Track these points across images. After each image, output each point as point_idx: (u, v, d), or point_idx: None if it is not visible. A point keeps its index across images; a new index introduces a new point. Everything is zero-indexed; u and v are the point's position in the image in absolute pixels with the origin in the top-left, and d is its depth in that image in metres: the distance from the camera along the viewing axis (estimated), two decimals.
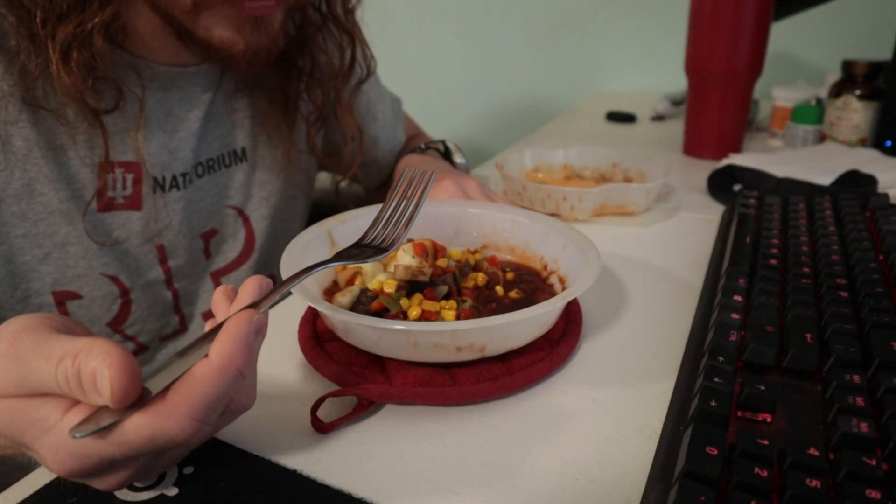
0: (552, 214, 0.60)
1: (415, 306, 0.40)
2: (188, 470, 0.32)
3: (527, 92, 1.56)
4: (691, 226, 0.65)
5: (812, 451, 0.28)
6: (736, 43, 0.81)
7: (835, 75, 0.90)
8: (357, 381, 0.38)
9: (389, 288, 0.42)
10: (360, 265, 0.45)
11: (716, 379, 0.33)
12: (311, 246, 0.46)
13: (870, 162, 0.75)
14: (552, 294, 0.46)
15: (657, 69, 1.38)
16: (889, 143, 0.82)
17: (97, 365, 0.25)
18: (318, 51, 0.65)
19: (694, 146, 0.90)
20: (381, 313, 0.41)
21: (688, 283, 0.52)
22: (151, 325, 0.61)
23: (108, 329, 0.58)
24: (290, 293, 0.41)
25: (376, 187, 0.84)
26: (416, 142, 0.84)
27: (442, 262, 0.45)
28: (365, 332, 0.38)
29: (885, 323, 0.38)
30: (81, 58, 0.47)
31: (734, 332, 0.38)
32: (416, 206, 0.43)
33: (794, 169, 0.73)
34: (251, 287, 0.31)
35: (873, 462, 0.27)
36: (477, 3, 1.52)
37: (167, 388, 0.27)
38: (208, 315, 0.66)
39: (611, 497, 0.31)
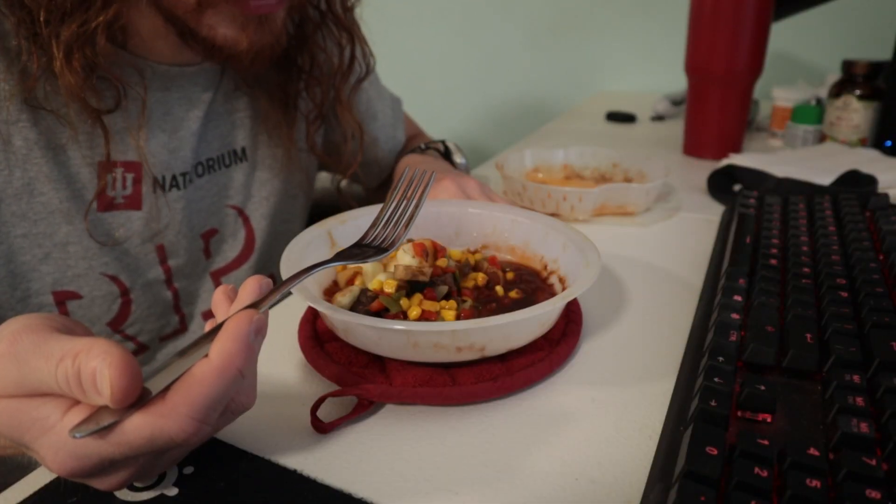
0: (552, 214, 0.60)
1: (415, 306, 0.40)
2: (188, 470, 0.32)
3: (527, 92, 1.56)
4: (691, 226, 0.65)
5: (812, 451, 0.28)
6: (736, 43, 0.81)
7: (835, 75, 0.90)
8: (357, 381, 0.38)
9: (389, 288, 0.42)
10: (360, 265, 0.45)
11: (716, 379, 0.33)
12: (311, 246, 0.46)
13: (870, 162, 0.75)
14: (552, 294, 0.46)
15: (657, 69, 1.38)
16: (889, 143, 0.82)
17: (97, 365, 0.25)
18: (317, 49, 0.65)
19: (694, 146, 0.90)
20: (381, 313, 0.41)
21: (688, 283, 0.52)
22: (151, 325, 0.61)
23: (108, 329, 0.58)
24: (290, 293, 0.41)
25: (376, 187, 0.84)
26: (416, 142, 0.84)
27: (442, 262, 0.45)
28: (365, 332, 0.38)
29: (885, 323, 0.38)
30: (85, 57, 0.47)
31: (734, 332, 0.38)
32: (417, 206, 0.43)
33: (794, 169, 0.73)
34: (251, 287, 0.31)
35: (873, 462, 0.27)
36: (477, 3, 1.52)
37: (167, 388, 0.27)
38: (208, 315, 0.66)
39: (611, 497, 0.31)
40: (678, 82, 1.10)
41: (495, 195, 0.61)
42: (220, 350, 0.27)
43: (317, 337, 0.43)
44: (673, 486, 0.27)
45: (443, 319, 0.40)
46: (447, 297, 0.43)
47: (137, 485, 0.31)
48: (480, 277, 0.45)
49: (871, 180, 0.68)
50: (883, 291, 0.42)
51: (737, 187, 0.74)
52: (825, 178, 0.70)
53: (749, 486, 0.26)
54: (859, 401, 0.32)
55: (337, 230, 0.48)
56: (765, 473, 0.27)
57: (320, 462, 0.33)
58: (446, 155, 0.78)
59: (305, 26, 0.64)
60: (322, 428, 0.35)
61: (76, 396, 0.26)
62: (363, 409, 0.36)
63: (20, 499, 0.31)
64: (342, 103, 0.69)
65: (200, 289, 0.65)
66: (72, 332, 0.29)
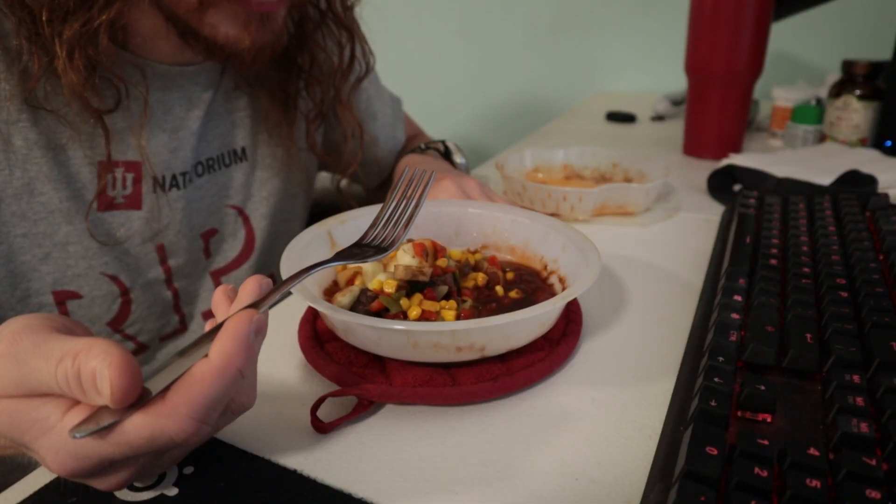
0: (552, 214, 0.60)
1: (415, 306, 0.40)
2: (188, 470, 0.32)
3: (527, 92, 1.56)
4: (691, 226, 0.65)
5: (812, 451, 0.28)
6: (736, 43, 0.81)
7: (835, 75, 0.90)
8: (357, 381, 0.38)
9: (389, 288, 0.42)
10: (360, 265, 0.45)
11: (716, 379, 0.33)
12: (311, 246, 0.46)
13: (870, 162, 0.75)
14: (552, 294, 0.46)
15: (657, 69, 1.38)
16: (889, 143, 0.82)
17: (97, 365, 0.25)
18: (317, 48, 0.65)
19: (694, 146, 0.90)
20: (381, 313, 0.41)
21: (688, 283, 0.52)
22: (151, 325, 0.61)
23: (108, 329, 0.58)
24: (290, 293, 0.41)
25: (376, 187, 0.84)
26: (415, 142, 0.84)
27: (442, 262, 0.45)
28: (365, 332, 0.38)
29: (885, 323, 0.38)
30: (87, 56, 0.47)
31: (734, 332, 0.38)
32: (416, 206, 0.43)
33: (794, 169, 0.73)
34: (251, 287, 0.31)
35: (873, 462, 0.27)
36: (477, 2, 1.52)
37: (167, 388, 0.27)
38: (208, 314, 0.66)
39: (611, 497, 0.31)
40: (678, 82, 1.10)
41: (495, 195, 0.61)
42: (220, 350, 0.27)
43: (317, 337, 0.43)
44: (673, 486, 0.27)
45: (443, 319, 0.40)
46: (447, 297, 0.43)
47: (137, 485, 0.31)
48: (480, 277, 0.45)
49: (871, 180, 0.68)
50: (883, 291, 0.42)
51: (737, 187, 0.74)
52: (825, 178, 0.70)
53: (749, 486, 0.26)
54: (859, 401, 0.32)
55: (337, 230, 0.48)
56: (765, 473, 0.27)
57: (320, 462, 0.33)
58: (446, 155, 0.78)
59: (305, 25, 0.64)
60: (322, 428, 0.35)
61: (76, 396, 0.26)
62: (363, 409, 0.36)
63: (20, 499, 0.31)
64: (342, 102, 0.69)
65: (200, 288, 0.65)
66: (72, 333, 0.29)
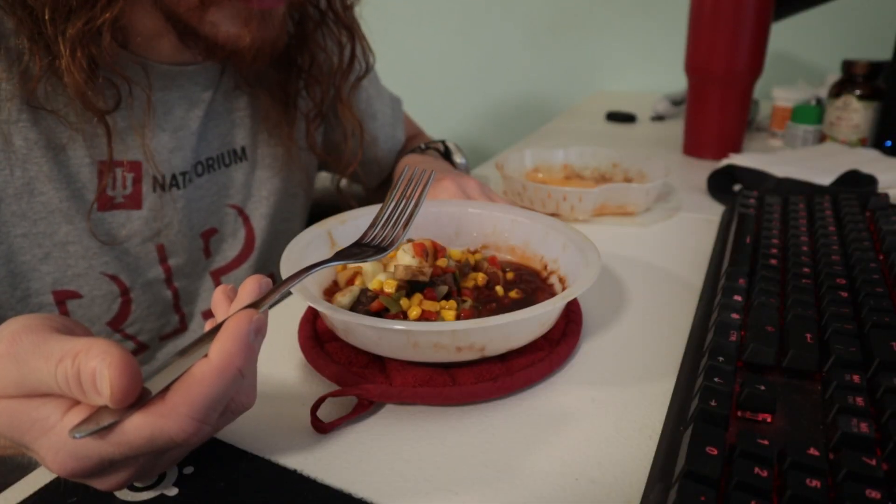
0: (552, 214, 0.60)
1: (415, 306, 0.40)
2: (188, 470, 0.32)
3: (526, 91, 1.56)
4: (691, 226, 0.65)
5: (812, 451, 0.28)
6: (736, 43, 0.81)
7: (835, 75, 0.90)
8: (357, 381, 0.38)
9: (389, 288, 0.42)
10: (360, 265, 0.45)
11: (716, 379, 0.33)
12: (311, 246, 0.46)
13: (870, 162, 0.75)
14: (552, 294, 0.46)
15: (657, 69, 1.38)
16: (889, 143, 0.82)
17: (97, 365, 0.25)
18: (317, 48, 0.65)
19: (694, 146, 0.90)
20: (381, 313, 0.41)
21: (688, 283, 0.52)
22: (151, 325, 0.61)
23: (109, 328, 0.58)
24: (290, 293, 0.41)
25: (376, 187, 0.84)
26: (415, 142, 0.84)
27: (442, 262, 0.45)
28: (365, 332, 0.38)
29: (885, 323, 0.38)
30: (90, 55, 0.47)
31: (734, 332, 0.38)
32: (416, 205, 0.43)
33: (794, 169, 0.73)
34: (251, 287, 0.31)
35: (873, 462, 0.27)
36: (476, 2, 1.52)
37: (167, 388, 0.27)
38: (208, 314, 0.66)
39: (611, 497, 0.31)
40: (678, 82, 1.10)
41: (495, 195, 0.61)
42: (220, 350, 0.27)
43: (317, 337, 0.43)
44: (673, 486, 0.27)
45: (443, 319, 0.40)
46: (447, 297, 0.43)
47: (137, 485, 0.31)
48: (480, 277, 0.45)
49: (871, 180, 0.68)
50: (883, 291, 0.42)
51: (737, 187, 0.74)
52: (825, 178, 0.70)
53: (749, 486, 0.26)
54: (859, 401, 0.32)
55: (337, 230, 0.48)
56: (765, 473, 0.27)
57: (320, 462, 0.33)
58: (446, 155, 0.78)
59: (305, 24, 0.64)
60: (322, 428, 0.35)
61: (76, 396, 0.26)
62: (363, 409, 0.36)
63: (20, 499, 0.31)
64: (342, 102, 0.69)
65: (200, 288, 0.65)
66: (71, 333, 0.29)
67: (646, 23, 1.36)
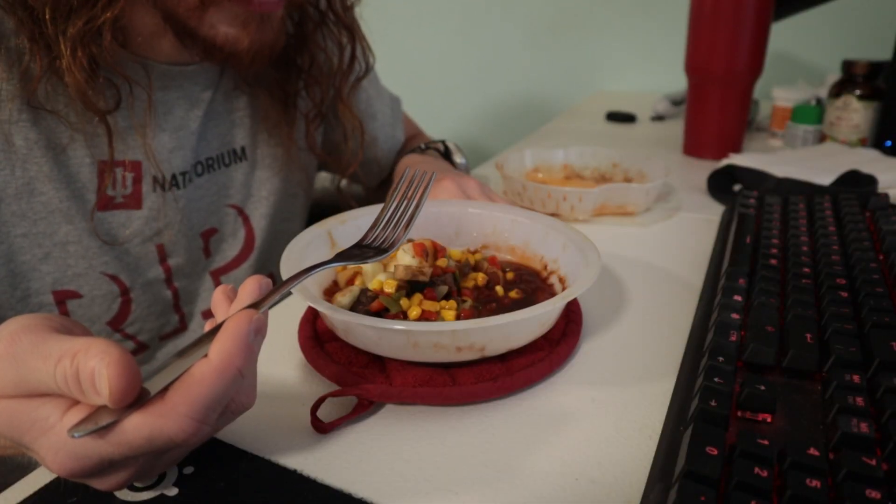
0: (552, 214, 0.60)
1: (415, 306, 0.40)
2: (188, 470, 0.32)
3: (526, 91, 1.56)
4: (691, 226, 0.65)
5: (812, 451, 0.28)
6: (736, 43, 0.81)
7: (835, 75, 0.90)
8: (357, 381, 0.38)
9: (389, 288, 0.42)
10: (360, 265, 0.45)
11: (716, 379, 0.33)
12: (311, 246, 0.46)
13: (870, 162, 0.75)
14: (552, 294, 0.46)
15: (657, 69, 1.38)
16: (889, 143, 0.82)
17: (95, 365, 0.25)
18: (317, 48, 0.65)
19: (694, 146, 0.90)
20: (381, 313, 0.41)
21: (688, 283, 0.52)
22: (151, 324, 0.61)
23: (108, 328, 0.58)
24: (290, 293, 0.41)
25: (376, 187, 0.84)
26: (415, 142, 0.84)
27: (442, 262, 0.45)
28: (365, 332, 0.38)
29: (885, 323, 0.38)
30: (91, 55, 0.47)
31: (734, 332, 0.38)
32: (417, 207, 0.43)
33: (794, 169, 0.73)
34: (251, 287, 0.31)
35: (873, 462, 0.27)
36: (476, 2, 1.52)
37: (166, 388, 0.27)
38: (208, 314, 0.66)
39: (611, 497, 0.31)
40: (678, 82, 1.10)
41: (495, 195, 0.61)
42: (220, 350, 0.27)
43: (317, 337, 0.43)
44: (673, 486, 0.27)
45: (443, 319, 0.40)
46: (447, 297, 0.43)
47: (137, 485, 0.31)
48: (480, 277, 0.45)
49: (871, 180, 0.68)
50: (883, 291, 0.42)
51: (737, 187, 0.74)
52: (825, 178, 0.70)
53: (749, 486, 0.26)
54: (859, 401, 0.32)
55: (337, 230, 0.48)
56: (765, 473, 0.27)
57: (320, 462, 0.33)
58: (446, 155, 0.78)
59: (305, 25, 0.64)
60: (322, 428, 0.35)
61: (75, 396, 0.26)
62: (363, 409, 0.36)
63: (20, 499, 0.31)
64: (342, 102, 0.69)
65: (200, 288, 0.65)
66: (70, 332, 0.29)
67: (646, 23, 1.36)
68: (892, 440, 0.29)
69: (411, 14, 1.58)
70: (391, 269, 0.44)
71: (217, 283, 0.66)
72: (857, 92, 0.84)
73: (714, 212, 0.68)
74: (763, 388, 0.33)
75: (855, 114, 0.85)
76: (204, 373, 0.26)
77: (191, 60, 0.58)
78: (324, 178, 0.86)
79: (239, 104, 0.65)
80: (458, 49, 1.59)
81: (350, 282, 0.45)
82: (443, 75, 1.63)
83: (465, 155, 0.79)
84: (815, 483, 0.26)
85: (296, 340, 0.43)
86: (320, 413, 0.36)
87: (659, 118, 1.15)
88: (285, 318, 0.46)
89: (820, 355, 0.36)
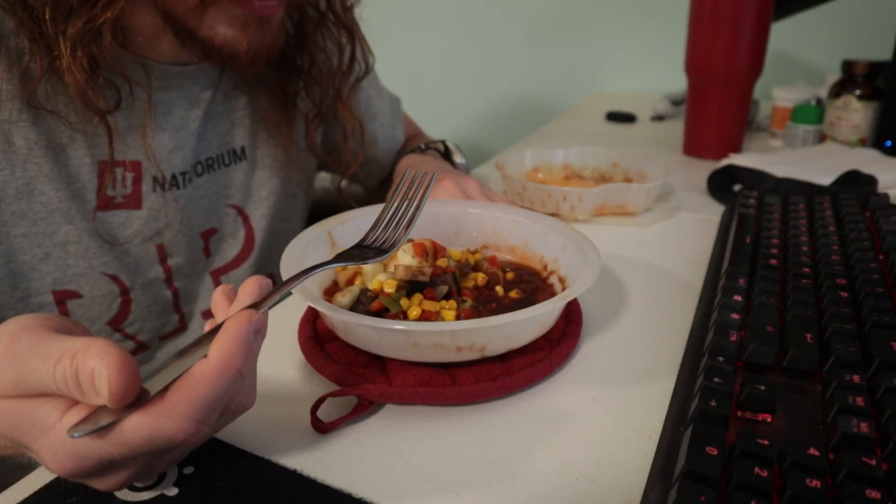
0: (552, 214, 0.60)
1: (415, 306, 0.40)
2: (188, 470, 0.32)
3: (526, 91, 1.56)
4: (691, 226, 0.65)
5: (812, 451, 0.28)
6: (736, 43, 0.81)
7: (835, 75, 0.90)
8: (357, 381, 0.38)
9: (389, 288, 0.42)
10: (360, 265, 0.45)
11: (716, 379, 0.33)
12: (311, 246, 0.46)
13: (870, 162, 0.75)
14: (552, 294, 0.46)
15: (657, 69, 1.38)
16: (889, 143, 0.82)
17: (95, 365, 0.25)
18: (316, 49, 0.65)
19: (694, 146, 0.90)
20: (381, 313, 0.41)
21: (688, 283, 0.52)
22: (151, 324, 0.61)
23: (108, 328, 0.58)
24: (290, 293, 0.41)
25: (376, 187, 0.84)
26: (415, 142, 0.84)
27: (442, 262, 0.45)
28: (365, 332, 0.38)
29: (885, 323, 0.38)
30: (91, 55, 0.47)
31: (734, 332, 0.38)
32: (417, 207, 0.43)
33: (794, 169, 0.73)
34: (251, 287, 0.31)
35: (873, 462, 0.27)
36: (476, 2, 1.52)
37: (166, 388, 0.27)
38: (208, 314, 0.66)
39: (611, 497, 0.31)
40: (678, 82, 1.10)
41: (495, 195, 0.61)
42: (220, 350, 0.27)
43: (317, 337, 0.43)
44: (673, 486, 0.27)
45: (443, 319, 0.40)
46: (447, 297, 0.43)
47: (137, 485, 0.31)
48: (480, 277, 0.45)
49: (871, 180, 0.68)
50: (883, 291, 0.42)
51: (737, 187, 0.74)
52: (825, 178, 0.70)
53: (749, 486, 0.26)
54: (859, 401, 0.32)
55: (337, 230, 0.48)
56: (765, 473, 0.27)
57: (320, 462, 0.33)
58: (446, 155, 0.78)
59: (305, 26, 0.64)
60: (322, 428, 0.35)
61: (75, 396, 0.26)
62: (363, 409, 0.36)
63: (20, 499, 0.31)
64: (342, 102, 0.69)
65: (200, 288, 0.65)
66: (70, 332, 0.29)
67: (646, 23, 1.36)
68: (892, 440, 0.29)
69: (411, 14, 1.58)
70: (391, 269, 0.44)
71: (217, 283, 0.66)
72: (857, 92, 0.84)
73: (714, 212, 0.68)
74: (763, 388, 0.33)
75: (855, 114, 0.85)
76: (204, 373, 0.26)
77: (191, 61, 0.58)
78: (324, 178, 0.86)
79: (239, 104, 0.65)
80: (458, 49, 1.59)
81: (350, 282, 0.45)
82: (443, 75, 1.63)
83: (465, 155, 0.79)
84: (815, 483, 0.26)
85: (296, 340, 0.43)
86: (320, 413, 0.36)
87: (659, 118, 1.15)
88: (285, 318, 0.46)
89: (820, 355, 0.36)
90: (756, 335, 0.38)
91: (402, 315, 0.40)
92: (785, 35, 1.12)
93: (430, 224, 0.52)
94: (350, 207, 0.54)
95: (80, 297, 0.55)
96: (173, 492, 0.31)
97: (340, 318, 0.37)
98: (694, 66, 0.86)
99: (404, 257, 0.44)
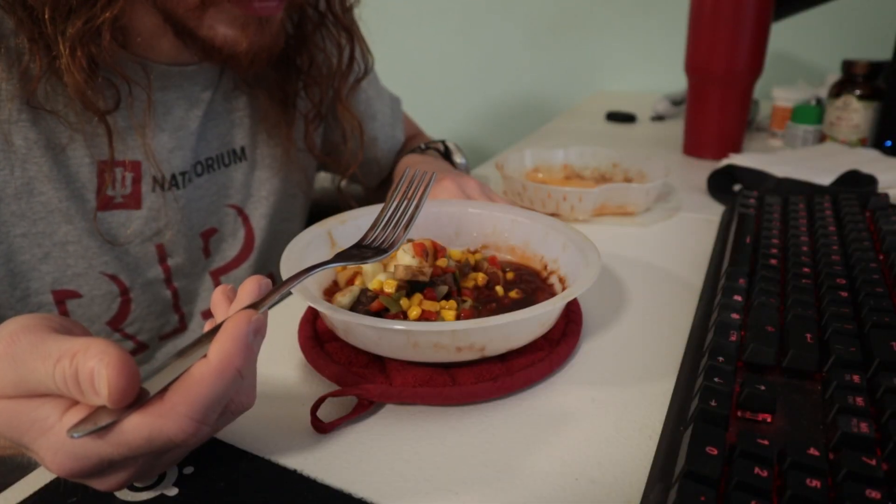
0: (552, 214, 0.60)
1: (415, 306, 0.40)
2: (188, 470, 0.32)
3: (526, 91, 1.56)
4: (691, 226, 0.65)
5: (812, 451, 0.28)
6: (736, 43, 0.81)
7: (835, 75, 0.90)
8: (357, 381, 0.38)
9: (389, 288, 0.42)
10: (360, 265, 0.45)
11: (716, 379, 0.33)
12: (311, 246, 0.46)
13: (870, 162, 0.75)
14: (552, 294, 0.46)
15: (657, 69, 1.38)
16: (889, 143, 0.82)
17: (94, 365, 0.25)
18: (316, 49, 0.65)
19: (694, 146, 0.90)
20: (381, 313, 0.41)
21: (688, 283, 0.52)
22: (151, 324, 0.61)
23: (108, 328, 0.58)
24: (290, 293, 0.41)
25: (376, 187, 0.84)
26: (415, 142, 0.84)
27: (442, 262, 0.45)
28: (365, 332, 0.38)
29: (885, 323, 0.38)
30: (90, 55, 0.47)
31: (734, 332, 0.38)
32: (417, 207, 0.43)
33: (794, 169, 0.73)
34: (250, 287, 0.31)
35: (873, 462, 0.27)
36: (477, 2, 1.52)
37: (165, 389, 0.27)
38: (208, 314, 0.66)
39: (611, 497, 0.31)
40: (678, 82, 1.10)
41: (495, 195, 0.61)
42: (219, 350, 0.27)
43: (317, 337, 0.43)
44: (673, 486, 0.27)
45: (443, 319, 0.40)
46: (447, 297, 0.43)
47: (137, 485, 0.31)
48: (480, 277, 0.45)
49: (871, 180, 0.68)
50: (883, 291, 0.42)
51: (737, 187, 0.74)
52: (825, 178, 0.70)
53: (749, 486, 0.26)
54: (859, 401, 0.32)
55: (337, 230, 0.48)
56: (765, 473, 0.27)
57: (320, 462, 0.33)
58: (446, 155, 0.78)
59: (304, 26, 0.64)
60: (322, 428, 0.35)
61: (74, 397, 0.26)
62: (363, 409, 0.36)
63: (20, 499, 0.31)
64: (341, 103, 0.69)
65: (200, 288, 0.65)
66: (70, 332, 0.29)
67: (646, 23, 1.36)
68: (892, 440, 0.29)
69: (411, 14, 1.58)
70: (391, 269, 0.44)
71: (217, 283, 0.66)
72: (857, 92, 0.84)
73: (714, 212, 0.68)
74: (763, 388, 0.33)
75: (855, 114, 0.85)
76: (203, 373, 0.26)
77: (190, 61, 0.58)
78: (324, 178, 0.86)
79: (238, 104, 0.65)
80: (458, 49, 1.59)
81: (350, 282, 0.45)
82: (443, 75, 1.63)
83: (465, 155, 0.79)
84: (815, 483, 0.26)
85: (296, 340, 0.43)
86: (320, 413, 0.36)
87: (659, 118, 1.15)
88: (285, 318, 0.46)
89: (820, 355, 0.36)
90: (756, 335, 0.38)
91: (402, 315, 0.40)
92: (785, 35, 1.12)
93: (430, 224, 0.52)
94: (350, 207, 0.54)
95: (79, 296, 0.55)
96: (173, 492, 0.31)
97: (340, 318, 0.37)
98: (694, 66, 0.86)
99: (404, 257, 0.44)
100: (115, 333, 0.59)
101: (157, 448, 0.27)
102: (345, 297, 0.42)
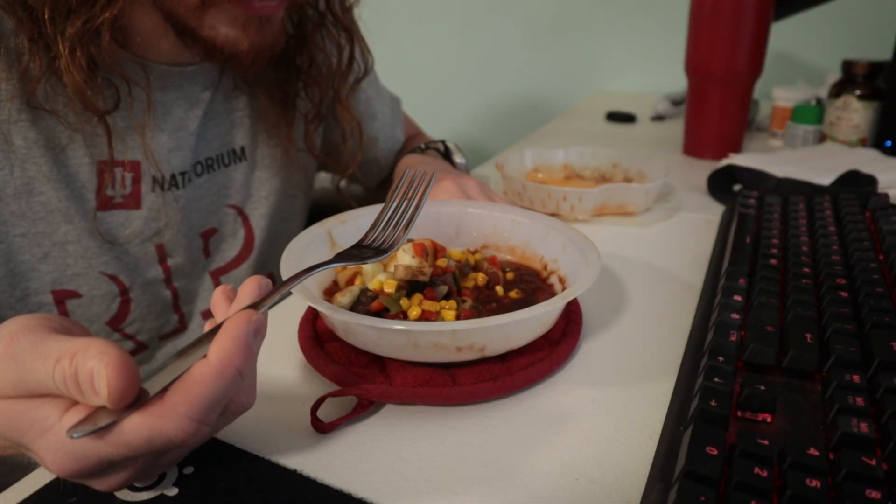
0: (552, 214, 0.60)
1: (415, 306, 0.40)
2: (188, 470, 0.32)
3: (526, 91, 1.56)
4: (691, 226, 0.65)
5: (812, 451, 0.28)
6: (736, 43, 0.81)
7: (835, 75, 0.90)
8: (357, 381, 0.38)
9: (389, 288, 0.42)
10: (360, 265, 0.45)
11: (716, 379, 0.33)
12: (311, 246, 0.46)
13: (870, 162, 0.75)
14: (552, 294, 0.46)
15: (657, 69, 1.38)
16: (889, 143, 0.82)
17: (94, 365, 0.25)
18: (316, 49, 0.65)
19: (694, 146, 0.90)
20: (381, 313, 0.41)
21: (688, 283, 0.52)
22: (151, 324, 0.61)
23: (108, 328, 0.58)
24: (290, 293, 0.41)
25: (376, 187, 0.84)
26: (415, 142, 0.84)
27: (442, 262, 0.45)
28: (365, 332, 0.38)
29: (885, 323, 0.38)
30: (89, 55, 0.47)
31: (734, 332, 0.38)
32: (417, 207, 0.43)
33: (794, 169, 0.73)
34: (250, 287, 0.31)
35: (873, 462, 0.27)
36: (476, 2, 1.52)
37: (165, 389, 0.27)
38: (207, 314, 0.66)
39: (611, 497, 0.31)
40: (678, 82, 1.10)
41: (495, 195, 0.61)
42: (219, 350, 0.27)
43: (317, 337, 0.43)
44: (673, 486, 0.27)
45: (443, 319, 0.40)
46: (447, 297, 0.43)
47: (137, 485, 0.31)
48: (480, 277, 0.45)
49: (871, 180, 0.68)
50: (883, 291, 0.42)
51: (737, 187, 0.74)
52: (825, 178, 0.70)
53: (749, 486, 0.26)
54: (859, 401, 0.32)
55: (337, 230, 0.48)
56: (765, 473, 0.27)
57: (320, 462, 0.33)
58: (446, 155, 0.78)
59: (304, 26, 0.64)
60: (322, 428, 0.35)
61: (74, 397, 0.26)
62: (363, 409, 0.36)
63: (20, 499, 0.31)
64: (341, 103, 0.69)
65: (200, 288, 0.65)
66: (69, 333, 0.29)
67: (646, 23, 1.36)
68: (892, 440, 0.29)
69: (411, 14, 1.58)
70: (391, 269, 0.44)
71: (217, 283, 0.66)
72: (857, 92, 0.84)
73: (714, 212, 0.68)
74: (763, 388, 0.33)
75: (855, 114, 0.85)
76: (203, 373, 0.26)
77: (190, 61, 0.58)
78: (324, 178, 0.86)
79: (238, 104, 0.65)
80: (458, 49, 1.59)
81: (350, 282, 0.45)
82: (443, 75, 1.63)
83: (465, 155, 0.79)
84: (815, 483, 0.26)
85: (296, 340, 0.43)
86: (320, 413, 0.36)
87: (659, 118, 1.15)
88: (285, 318, 0.46)
89: (820, 355, 0.36)
90: (756, 335, 0.38)
91: (402, 315, 0.40)
92: (785, 35, 1.12)
93: (430, 224, 0.52)
94: (350, 207, 0.54)
95: (79, 296, 0.55)
96: (173, 492, 0.31)
97: (340, 318, 0.37)
98: (694, 66, 0.86)
99: (404, 257, 0.44)
100: (115, 333, 0.59)
101: (156, 448, 0.27)
102: (345, 297, 0.42)
